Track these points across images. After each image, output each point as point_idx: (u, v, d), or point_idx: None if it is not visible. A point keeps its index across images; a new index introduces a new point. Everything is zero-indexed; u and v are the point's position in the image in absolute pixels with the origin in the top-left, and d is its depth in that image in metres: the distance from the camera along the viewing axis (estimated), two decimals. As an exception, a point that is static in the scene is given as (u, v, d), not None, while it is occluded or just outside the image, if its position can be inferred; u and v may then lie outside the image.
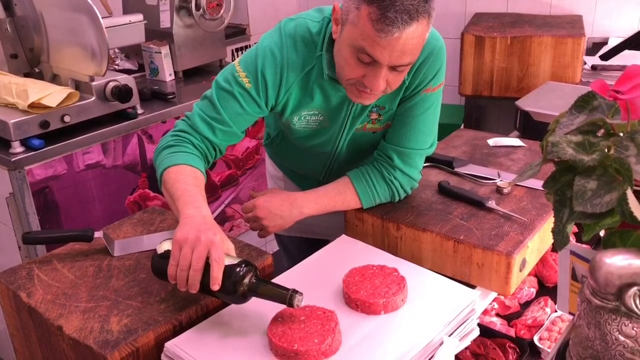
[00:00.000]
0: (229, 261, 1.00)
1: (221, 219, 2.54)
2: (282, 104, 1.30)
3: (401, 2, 1.05)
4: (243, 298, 1.00)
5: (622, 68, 2.46)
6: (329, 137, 1.38)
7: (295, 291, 0.96)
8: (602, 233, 0.76)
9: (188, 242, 1.00)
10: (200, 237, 0.99)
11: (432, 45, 1.25)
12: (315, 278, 1.14)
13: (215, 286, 0.98)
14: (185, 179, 1.18)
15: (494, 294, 1.23)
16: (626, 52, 2.39)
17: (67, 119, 1.90)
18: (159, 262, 1.06)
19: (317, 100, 1.30)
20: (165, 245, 1.07)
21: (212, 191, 2.48)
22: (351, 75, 1.17)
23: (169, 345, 0.99)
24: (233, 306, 1.07)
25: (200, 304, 1.08)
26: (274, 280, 1.13)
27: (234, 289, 0.99)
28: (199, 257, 0.98)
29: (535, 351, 1.23)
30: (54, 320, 1.04)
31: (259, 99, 1.26)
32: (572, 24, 2.70)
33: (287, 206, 1.30)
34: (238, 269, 0.99)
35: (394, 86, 1.20)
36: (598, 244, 1.25)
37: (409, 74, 1.26)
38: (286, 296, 0.96)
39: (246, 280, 0.99)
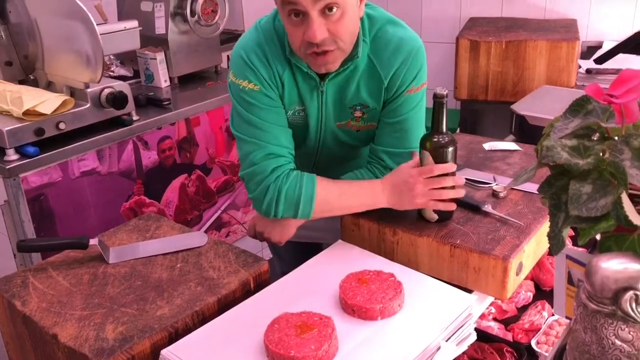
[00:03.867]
0: None
1: (217, 225, 2.53)
2: (281, 95, 1.30)
3: None
4: None
5: (616, 71, 2.47)
6: (311, 131, 1.38)
7: None
8: (598, 237, 0.76)
9: (427, 203, 1.24)
10: (422, 188, 1.23)
11: (409, 47, 1.27)
12: (311, 284, 1.14)
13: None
14: (334, 194, 1.28)
15: (490, 298, 1.23)
16: (620, 55, 2.41)
17: (62, 126, 1.90)
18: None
19: (296, 91, 1.31)
20: None
21: (208, 197, 2.47)
22: (297, 40, 1.18)
23: (165, 352, 0.99)
24: (229, 313, 1.07)
25: (196, 311, 1.07)
26: (270, 287, 1.13)
27: None
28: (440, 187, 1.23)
29: (533, 355, 1.23)
30: (49, 328, 1.04)
31: (270, 93, 1.27)
32: (567, 28, 2.71)
33: None
34: None
35: (340, 33, 1.17)
36: (594, 247, 1.25)
37: (387, 76, 1.27)
38: None
39: None
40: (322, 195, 1.25)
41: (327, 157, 1.45)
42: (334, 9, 1.14)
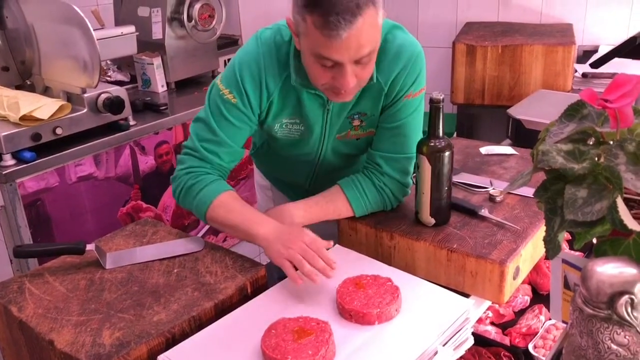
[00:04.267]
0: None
1: (214, 230, 2.53)
2: (265, 110, 1.31)
3: (340, 1, 1.06)
4: None
5: (612, 75, 2.47)
6: (312, 146, 1.38)
7: None
8: (594, 241, 0.76)
9: (295, 258, 1.12)
10: (302, 247, 1.13)
11: (409, 53, 1.27)
12: (308, 289, 1.14)
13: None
14: (233, 207, 1.27)
15: (488, 303, 1.23)
16: (616, 59, 2.41)
17: (59, 131, 1.90)
18: None
19: (295, 107, 1.31)
20: None
21: (206, 202, 2.47)
22: (322, 81, 1.19)
23: (162, 358, 0.98)
24: (226, 318, 1.07)
25: (193, 317, 1.07)
26: (267, 292, 1.13)
27: None
28: (313, 259, 1.12)
29: (530, 359, 1.23)
30: (46, 334, 1.03)
31: (246, 110, 1.28)
32: (563, 33, 2.71)
33: (277, 216, 1.30)
34: None
35: (365, 77, 1.20)
36: (591, 251, 1.25)
37: (387, 82, 1.27)
38: None
39: None
40: (214, 208, 1.26)
41: (326, 168, 1.45)
42: (367, 58, 1.16)
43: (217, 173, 1.32)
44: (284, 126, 1.34)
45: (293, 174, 1.52)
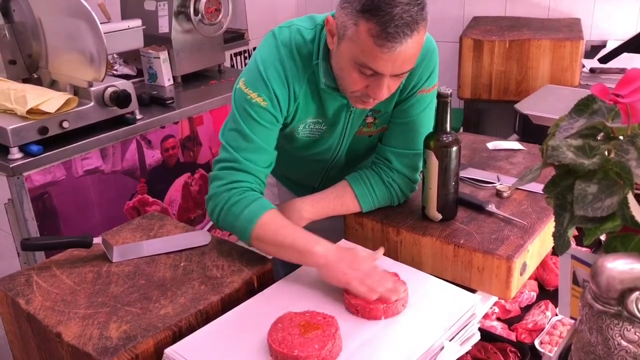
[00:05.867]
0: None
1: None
2: (292, 113, 1.29)
3: (399, 15, 1.04)
4: None
5: (620, 71, 2.46)
6: (330, 145, 1.38)
7: None
8: (603, 237, 0.76)
9: (364, 281, 1.07)
10: (368, 270, 1.09)
11: (425, 48, 1.25)
12: (315, 283, 1.14)
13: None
14: (283, 224, 1.20)
15: (494, 298, 1.23)
16: (625, 54, 2.40)
17: (65, 124, 1.90)
18: None
19: (318, 108, 1.30)
20: None
21: (212, 196, 2.47)
22: (355, 88, 1.17)
23: (169, 351, 0.99)
24: (233, 312, 1.07)
25: (200, 310, 1.07)
26: (274, 286, 1.13)
27: None
28: (385, 281, 1.07)
29: (536, 355, 1.22)
30: (53, 327, 1.04)
31: (276, 112, 1.24)
32: (571, 27, 2.70)
33: (285, 212, 1.30)
34: None
35: (395, 88, 1.20)
36: (599, 247, 1.25)
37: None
38: None
39: None
40: (262, 224, 1.18)
41: (338, 167, 1.45)
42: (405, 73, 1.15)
43: (259, 188, 1.25)
44: (307, 127, 1.32)
45: (305, 172, 1.51)
